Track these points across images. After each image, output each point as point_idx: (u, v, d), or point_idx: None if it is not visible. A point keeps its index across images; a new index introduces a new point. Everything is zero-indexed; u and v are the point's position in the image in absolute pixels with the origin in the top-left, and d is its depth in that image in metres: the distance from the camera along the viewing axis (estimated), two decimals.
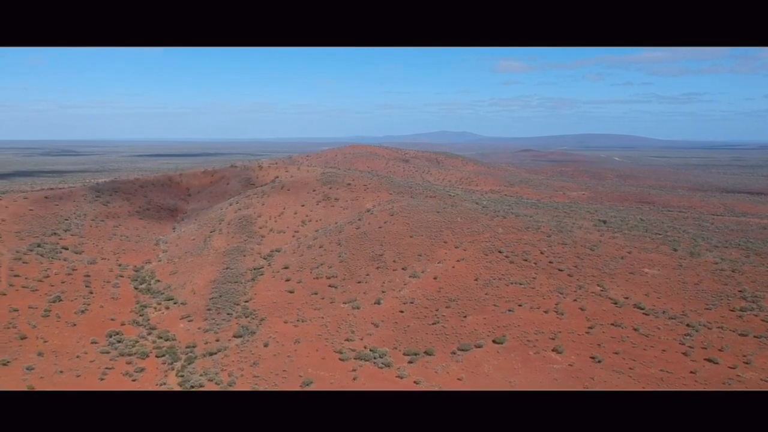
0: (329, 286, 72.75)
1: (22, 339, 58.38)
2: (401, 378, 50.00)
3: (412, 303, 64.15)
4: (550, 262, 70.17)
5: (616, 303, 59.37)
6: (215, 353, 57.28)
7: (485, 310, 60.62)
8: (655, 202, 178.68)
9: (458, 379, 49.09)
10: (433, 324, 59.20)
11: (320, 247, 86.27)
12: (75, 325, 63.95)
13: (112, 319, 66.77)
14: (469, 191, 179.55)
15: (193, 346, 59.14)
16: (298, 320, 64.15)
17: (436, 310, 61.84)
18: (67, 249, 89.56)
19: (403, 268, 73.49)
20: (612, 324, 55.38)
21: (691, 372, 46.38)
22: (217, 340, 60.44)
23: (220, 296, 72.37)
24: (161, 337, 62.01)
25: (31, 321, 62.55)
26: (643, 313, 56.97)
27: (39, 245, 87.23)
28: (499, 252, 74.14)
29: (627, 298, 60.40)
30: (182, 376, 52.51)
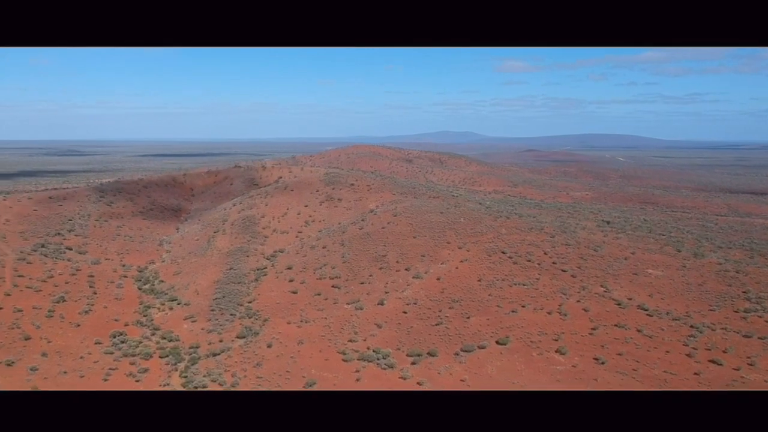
0: (332, 286, 72.78)
1: (26, 339, 58.52)
2: (404, 379, 50.00)
3: (415, 304, 64.15)
4: (553, 263, 70.10)
5: (619, 304, 59.30)
6: (218, 354, 57.35)
7: (488, 311, 60.60)
8: (658, 203, 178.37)
9: (461, 380, 49.08)
10: (436, 325, 59.19)
11: (323, 248, 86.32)
12: (79, 325, 64.07)
13: (115, 320, 66.88)
14: (472, 191, 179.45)
15: (197, 347, 59.23)
16: (301, 321, 64.19)
17: (440, 311, 61.83)
18: (71, 249, 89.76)
19: (406, 269, 73.49)
20: (615, 325, 55.32)
21: (695, 373, 46.30)
22: (221, 341, 60.51)
23: (224, 297, 72.44)
24: (165, 338, 62.12)
25: (35, 321, 62.68)
26: (647, 314, 56.90)
27: (43, 245, 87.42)
28: (503, 253, 74.09)
29: (630, 299, 60.32)
30: (186, 376, 52.59)
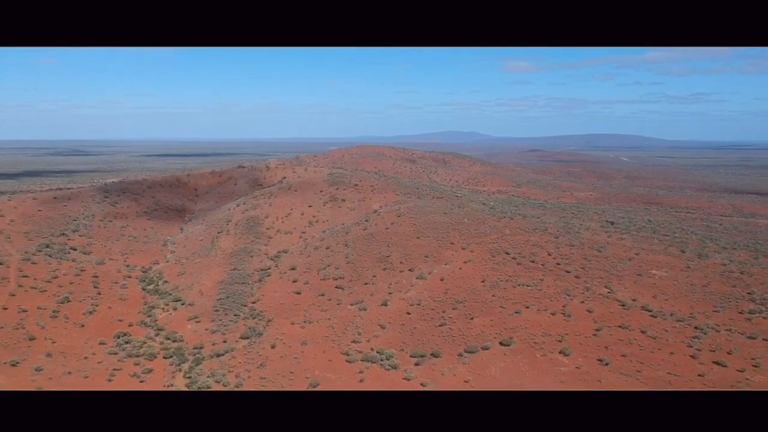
0: (336, 287, 72.82)
1: (30, 340, 58.69)
2: (408, 380, 50.02)
3: (418, 304, 64.15)
4: (557, 264, 70.04)
5: (623, 305, 59.23)
6: (222, 354, 57.44)
7: (492, 312, 60.57)
8: (663, 203, 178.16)
9: (465, 381, 49.08)
10: (439, 326, 59.20)
11: (327, 248, 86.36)
12: (83, 326, 64.24)
13: (120, 320, 67.02)
14: (476, 192, 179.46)
15: (201, 348, 59.33)
16: (305, 321, 64.25)
17: (443, 312, 61.83)
18: (75, 249, 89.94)
19: (410, 270, 73.49)
20: (619, 326, 55.26)
21: (699, 375, 46.24)
22: (225, 342, 60.59)
23: (228, 297, 72.53)
24: (169, 338, 62.22)
25: (39, 322, 62.85)
26: (651, 315, 56.83)
27: (47, 246, 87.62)
28: (506, 253, 74.05)
29: (634, 300, 60.23)
30: (190, 377, 52.67)
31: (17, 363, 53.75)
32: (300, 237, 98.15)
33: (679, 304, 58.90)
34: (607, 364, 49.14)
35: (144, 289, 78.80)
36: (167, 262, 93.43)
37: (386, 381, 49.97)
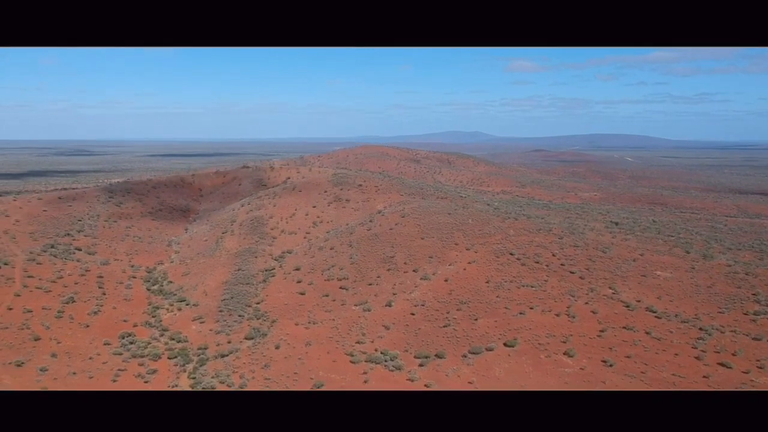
0: (340, 288, 72.85)
1: (35, 340, 58.81)
2: (412, 381, 50.01)
3: (423, 305, 64.14)
4: (561, 265, 69.97)
5: (628, 306, 59.14)
6: (227, 355, 57.49)
7: (496, 313, 60.53)
8: (667, 204, 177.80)
9: (469, 382, 49.05)
10: (444, 327, 59.17)
11: (331, 249, 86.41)
12: (88, 326, 64.35)
13: (124, 321, 67.13)
14: (480, 192, 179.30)
15: (205, 348, 59.40)
16: (309, 322, 64.27)
17: (447, 313, 61.80)
18: (80, 250, 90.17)
19: (414, 270, 73.49)
20: (624, 327, 55.17)
21: (704, 376, 46.14)
22: (229, 342, 60.64)
23: (232, 298, 72.61)
24: (173, 339, 62.30)
25: (44, 322, 62.99)
26: (656, 317, 56.74)
27: (52, 246, 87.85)
28: (511, 254, 74.01)
29: (639, 301, 60.15)
30: (194, 378, 52.74)
31: (22, 363, 53.87)
32: (304, 237, 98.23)
33: (683, 305, 58.81)
34: (611, 366, 49.06)
35: (149, 290, 78.95)
36: (172, 262, 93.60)
37: (390, 382, 49.96)
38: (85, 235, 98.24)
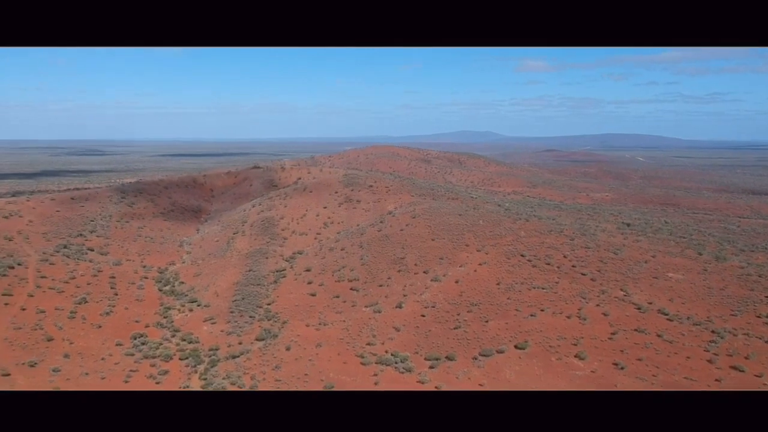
0: (351, 289, 72.92)
1: (48, 341, 59.23)
2: (422, 383, 50.00)
3: (433, 307, 64.12)
4: (573, 266, 69.76)
5: (639, 308, 58.88)
6: (238, 356, 57.69)
7: (507, 315, 60.43)
8: (679, 204, 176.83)
9: (479, 384, 49.00)
10: (454, 329, 59.13)
11: (342, 250, 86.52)
12: (100, 326, 64.74)
13: (136, 321, 67.49)
14: (491, 193, 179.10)
15: (216, 349, 59.62)
16: (319, 324, 64.39)
17: (458, 315, 61.76)
18: (92, 250, 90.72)
19: (424, 272, 73.46)
20: (635, 330, 54.93)
21: (716, 380, 45.87)
22: (240, 343, 60.85)
23: (243, 299, 72.85)
24: (185, 340, 62.58)
25: (57, 322, 63.42)
26: (667, 319, 56.45)
27: (65, 246, 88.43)
28: (522, 256, 73.86)
29: (651, 303, 59.87)
30: (205, 379, 52.95)
31: (35, 364, 54.27)
32: (315, 238, 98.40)
33: (695, 307, 58.50)
34: (622, 368, 48.88)
35: (160, 290, 79.32)
36: (183, 262, 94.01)
37: (400, 384, 49.96)
38: (97, 236, 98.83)
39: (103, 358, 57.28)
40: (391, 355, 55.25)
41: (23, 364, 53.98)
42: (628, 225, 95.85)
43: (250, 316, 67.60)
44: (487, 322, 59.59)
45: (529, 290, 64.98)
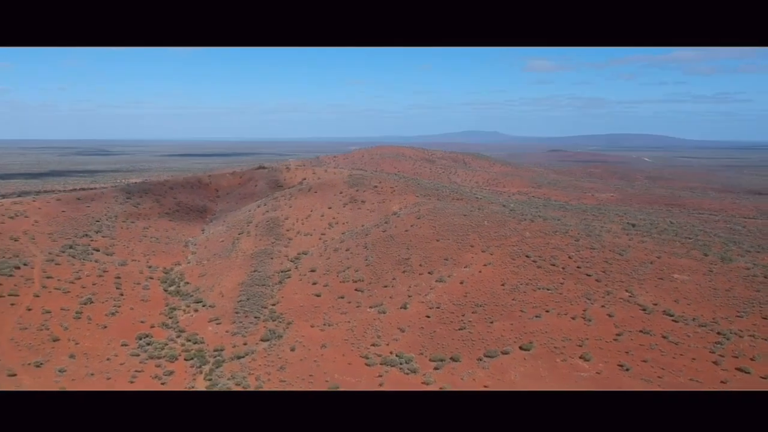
0: (356, 290, 72.95)
1: (54, 341, 59.42)
2: (427, 384, 50.00)
3: (438, 308, 64.09)
4: (578, 267, 69.61)
5: (644, 309, 58.71)
6: (243, 357, 57.79)
7: (512, 316, 60.35)
8: (685, 205, 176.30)
9: (484, 386, 48.95)
10: (459, 330, 59.08)
11: (347, 251, 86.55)
12: (106, 327, 64.92)
13: (141, 322, 67.65)
14: (496, 193, 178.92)
15: (221, 350, 59.74)
16: (324, 324, 64.44)
17: (463, 316, 61.72)
18: (98, 250, 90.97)
19: (429, 273, 73.43)
20: (640, 331, 54.77)
21: (722, 382, 45.69)
22: (245, 344, 60.95)
23: (248, 299, 72.95)
24: (190, 340, 62.71)
25: (63, 323, 63.62)
26: (673, 320, 56.27)
27: (71, 246, 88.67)
28: (527, 256, 73.75)
29: (656, 304, 59.69)
30: (210, 379, 53.07)
31: (41, 364, 54.48)
32: (320, 239, 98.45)
33: (701, 308, 58.29)
34: (627, 370, 48.75)
35: (166, 290, 79.52)
36: (188, 263, 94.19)
37: (405, 385, 49.97)
38: (103, 236, 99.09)
39: (108, 359, 57.45)
40: (396, 356, 55.25)
41: (29, 364, 54.22)
42: (634, 225, 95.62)
43: (255, 317, 67.70)
44: (491, 323, 59.53)
45: (534, 291, 64.88)
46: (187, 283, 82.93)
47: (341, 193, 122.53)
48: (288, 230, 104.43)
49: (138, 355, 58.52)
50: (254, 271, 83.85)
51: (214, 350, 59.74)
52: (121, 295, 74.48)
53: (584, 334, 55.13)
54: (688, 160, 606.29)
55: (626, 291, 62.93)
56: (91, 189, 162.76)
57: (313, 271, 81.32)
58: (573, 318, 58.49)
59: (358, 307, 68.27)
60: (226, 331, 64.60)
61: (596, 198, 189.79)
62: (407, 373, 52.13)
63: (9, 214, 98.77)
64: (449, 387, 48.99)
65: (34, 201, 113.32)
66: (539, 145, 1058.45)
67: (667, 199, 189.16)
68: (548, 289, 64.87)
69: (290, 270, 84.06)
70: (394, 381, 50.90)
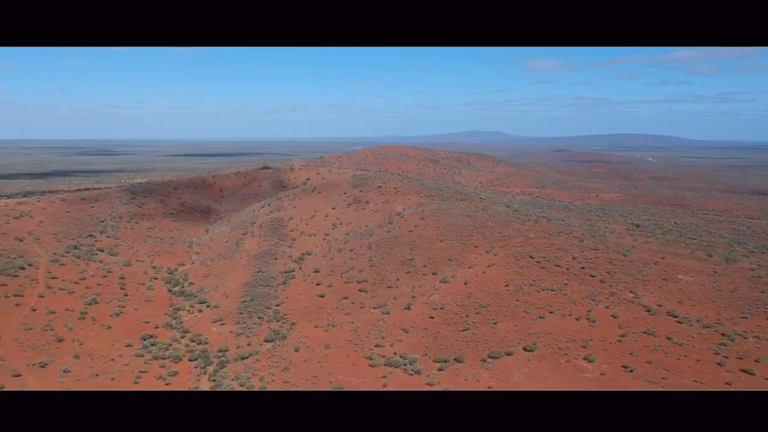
0: (359, 290, 72.98)
1: (59, 341, 59.57)
2: (431, 385, 49.96)
3: (442, 309, 64.08)
4: (582, 268, 69.55)
5: (649, 310, 58.65)
6: (247, 357, 57.85)
7: (516, 317, 60.32)
8: (689, 205, 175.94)
9: (488, 387, 48.90)
10: (463, 330, 59.07)
11: (351, 251, 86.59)
12: (110, 327, 65.06)
13: (146, 322, 67.78)
14: (500, 193, 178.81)
15: (225, 350, 59.81)
16: (328, 325, 64.49)
17: (467, 317, 61.70)
18: (102, 251, 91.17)
19: (433, 273, 73.45)
20: (645, 332, 54.71)
21: (726, 383, 45.62)
22: (249, 344, 61.03)
23: (252, 300, 73.03)
24: (194, 341, 62.81)
25: (67, 323, 63.77)
26: (677, 321, 56.20)
27: (76, 247, 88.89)
28: (531, 257, 73.71)
29: (660, 305, 59.62)
30: (214, 380, 53.11)
31: (46, 364, 54.60)
32: (324, 239, 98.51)
33: (705, 310, 58.21)
34: (632, 371, 48.69)
35: (170, 291, 79.64)
36: (193, 263, 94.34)
37: (409, 386, 49.93)
38: (107, 236, 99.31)
39: (112, 359, 57.57)
40: (400, 357, 55.26)
41: (34, 364, 54.34)
42: (638, 226, 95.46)
43: (259, 317, 67.77)
44: (495, 324, 59.51)
45: (538, 292, 64.84)
46: (192, 283, 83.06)
47: (345, 193, 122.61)
48: (292, 231, 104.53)
49: (142, 356, 58.62)
50: (258, 272, 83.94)
51: (218, 351, 59.82)
52: (126, 295, 74.64)
53: (588, 335, 55.10)
54: (692, 160, 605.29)
55: (630, 292, 62.87)
56: (96, 189, 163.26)
57: (317, 271, 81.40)
58: (577, 319, 58.45)
59: (362, 307, 68.30)
60: (230, 332, 64.69)
61: (600, 198, 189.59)
62: (411, 374, 52.12)
63: (14, 214, 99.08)
64: (453, 388, 48.95)
65: (38, 201, 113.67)
66: (542, 145, 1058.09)
67: (672, 200, 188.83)
68: (552, 290, 64.82)
69: (294, 271, 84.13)
70: (398, 382, 50.89)
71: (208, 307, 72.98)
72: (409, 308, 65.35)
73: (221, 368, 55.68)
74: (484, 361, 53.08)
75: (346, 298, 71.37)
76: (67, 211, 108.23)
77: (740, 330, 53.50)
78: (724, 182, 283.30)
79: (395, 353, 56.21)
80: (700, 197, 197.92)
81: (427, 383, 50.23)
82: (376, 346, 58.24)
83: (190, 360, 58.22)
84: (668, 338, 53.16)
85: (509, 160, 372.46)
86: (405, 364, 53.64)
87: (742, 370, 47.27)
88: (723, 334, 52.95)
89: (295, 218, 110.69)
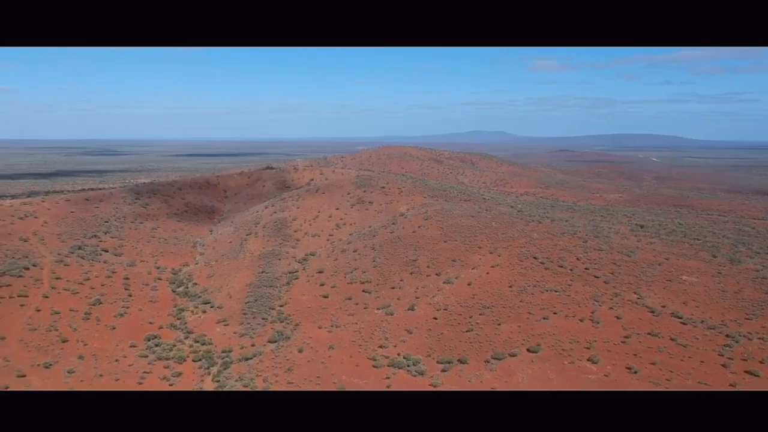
0: (363, 291, 73.01)
1: (63, 342, 59.70)
2: (434, 386, 49.97)
3: (445, 310, 64.07)
4: (586, 269, 69.46)
5: (653, 311, 58.55)
6: (250, 358, 57.91)
7: (520, 318, 60.28)
8: (694, 206, 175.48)
9: (492, 388, 48.89)
10: (466, 331, 59.05)
11: (354, 252, 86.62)
12: (114, 328, 65.17)
13: (150, 323, 67.89)
14: (503, 194, 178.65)
15: (229, 351, 59.89)
16: (332, 326, 64.52)
17: (470, 317, 61.68)
18: (107, 251, 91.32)
19: (437, 274, 73.43)
20: (649, 333, 54.62)
21: (731, 385, 45.54)
22: (253, 345, 61.09)
23: (256, 300, 73.10)
24: (198, 341, 62.90)
25: (72, 324, 63.90)
26: (681, 323, 56.09)
27: (80, 247, 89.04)
28: (535, 258, 73.64)
29: (664, 306, 59.52)
30: (218, 381, 53.20)
31: (50, 365, 54.74)
32: (327, 240, 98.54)
33: (710, 311, 58.10)
34: (636, 372, 48.63)
35: (174, 291, 79.76)
36: (197, 264, 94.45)
37: (413, 387, 49.96)
38: (111, 237, 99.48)
39: (117, 360, 57.69)
40: (404, 358, 55.29)
41: (38, 365, 54.49)
42: (642, 227, 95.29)
43: (263, 318, 67.85)
44: (499, 325, 59.48)
45: (542, 293, 64.79)
46: (195, 284, 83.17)
47: (349, 194, 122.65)
48: (296, 231, 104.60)
49: (146, 357, 58.74)
50: (262, 272, 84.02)
51: (222, 351, 59.91)
52: (130, 296, 74.77)
53: (592, 337, 55.04)
54: (696, 160, 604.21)
55: (634, 293, 62.78)
56: (100, 189, 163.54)
57: (320, 272, 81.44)
58: (581, 320, 58.39)
59: (365, 308, 68.32)
60: (234, 333, 64.78)
61: (604, 199, 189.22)
62: (415, 375, 52.14)
63: (18, 214, 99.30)
64: (456, 389, 48.94)
65: (43, 201, 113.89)
66: (545, 145, 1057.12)
67: (676, 200, 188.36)
68: (556, 291, 64.77)
69: (298, 271, 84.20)
70: (402, 383, 50.91)
71: (212, 307, 73.08)
72: (412, 309, 65.36)
73: (225, 369, 55.76)
74: (488, 362, 53.07)
75: (350, 298, 71.40)
76: (72, 212, 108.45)
77: (745, 331, 53.38)
78: (728, 182, 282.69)
79: (399, 354, 56.23)
80: (704, 197, 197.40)
81: (431, 384, 50.25)
82: (380, 347, 58.26)
83: (194, 361, 58.33)
84: (672, 339, 53.08)
85: (513, 160, 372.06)
86: (408, 365, 53.66)
87: (746, 372, 47.17)
88: (727, 336, 52.84)
89: (298, 219, 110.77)
